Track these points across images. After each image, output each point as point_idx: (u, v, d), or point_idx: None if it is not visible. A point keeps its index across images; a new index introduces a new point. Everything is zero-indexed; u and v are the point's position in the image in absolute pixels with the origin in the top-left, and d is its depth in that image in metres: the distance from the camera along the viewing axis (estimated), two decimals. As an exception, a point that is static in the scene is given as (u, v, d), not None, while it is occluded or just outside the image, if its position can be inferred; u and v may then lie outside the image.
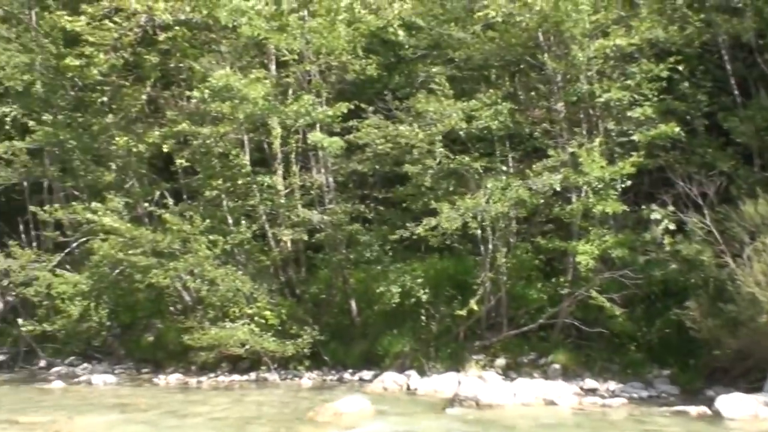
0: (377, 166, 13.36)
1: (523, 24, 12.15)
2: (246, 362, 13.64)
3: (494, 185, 11.55)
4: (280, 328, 13.19)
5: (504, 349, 12.16)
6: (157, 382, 13.88)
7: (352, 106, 12.63)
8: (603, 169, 11.01)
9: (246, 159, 13.87)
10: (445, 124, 11.98)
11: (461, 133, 12.35)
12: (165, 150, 14.23)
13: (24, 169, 15.81)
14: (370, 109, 12.95)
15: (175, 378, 13.89)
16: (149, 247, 13.26)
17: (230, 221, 14.10)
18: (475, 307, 11.63)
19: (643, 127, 11.40)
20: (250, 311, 13.24)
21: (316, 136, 12.49)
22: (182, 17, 13.82)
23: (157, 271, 13.02)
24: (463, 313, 11.61)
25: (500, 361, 12.05)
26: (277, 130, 13.60)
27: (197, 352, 13.36)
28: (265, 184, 13.76)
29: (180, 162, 14.40)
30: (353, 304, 13.50)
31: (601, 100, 11.70)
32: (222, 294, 13.22)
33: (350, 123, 12.88)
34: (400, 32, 13.27)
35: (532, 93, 12.94)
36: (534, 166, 11.73)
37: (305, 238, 13.62)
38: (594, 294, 10.99)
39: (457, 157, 12.18)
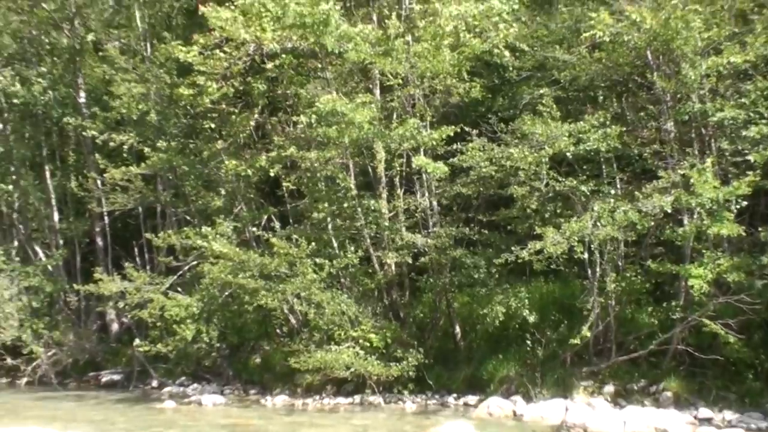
0: (481, 189, 14.82)
1: (631, 43, 13.11)
2: (350, 385, 15.25)
3: (602, 208, 12.59)
4: (384, 351, 14.74)
5: (613, 376, 13.10)
6: (264, 403, 15.70)
7: (458, 130, 13.81)
8: (716, 190, 11.75)
9: (351, 183, 15.34)
10: (552, 146, 12.96)
11: (568, 154, 13.26)
12: (272, 174, 16.21)
13: (139, 195, 18.22)
14: (474, 131, 14.17)
15: (281, 399, 15.65)
16: (257, 271, 15.20)
17: (335, 244, 15.62)
18: (588, 333, 12.48)
19: (759, 146, 12.01)
20: (354, 334, 14.84)
21: (420, 160, 13.86)
22: (289, 45, 15.61)
23: (265, 294, 14.95)
24: (577, 341, 12.61)
25: (609, 388, 13.01)
26: (382, 154, 15.19)
27: (303, 375, 15.06)
28: (370, 207, 15.14)
29: (287, 186, 16.30)
30: (457, 327, 14.88)
31: (714, 119, 12.51)
32: (328, 317, 14.90)
33: (454, 146, 14.30)
34: (506, 54, 14.36)
35: (641, 113, 13.87)
36: (643, 188, 12.51)
37: (409, 261, 15.14)
38: (706, 321, 11.61)
39: (565, 180, 13.21)
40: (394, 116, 15.26)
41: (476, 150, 14.06)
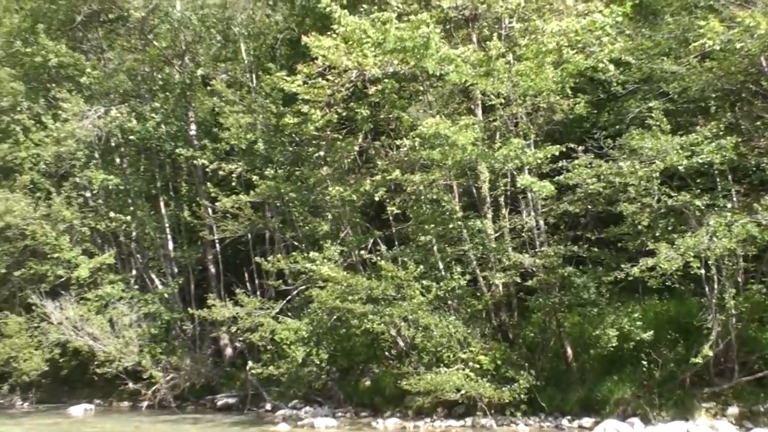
0: (589, 206, 14.76)
1: (744, 50, 12.87)
2: (461, 407, 15.43)
3: (718, 222, 12.40)
4: (494, 373, 14.86)
5: (737, 397, 12.86)
6: (375, 426, 16.10)
7: (564, 149, 13.85)
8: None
9: (456, 204, 15.56)
10: (663, 160, 12.84)
11: (680, 168, 13.09)
12: (377, 198, 16.53)
13: (248, 222, 19.05)
14: (580, 148, 14.17)
15: (392, 422, 16.02)
16: (365, 294, 15.64)
17: (441, 266, 15.87)
18: (709, 353, 12.23)
19: None
20: (464, 356, 15.04)
21: (525, 180, 13.96)
22: (390, 70, 15.93)
23: (373, 317, 15.34)
24: (698, 360, 12.36)
25: (733, 410, 12.81)
26: (486, 174, 15.42)
27: (413, 397, 15.34)
28: (476, 228, 15.33)
29: (391, 209, 16.64)
30: (569, 348, 14.79)
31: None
32: (436, 339, 15.14)
33: (560, 163, 14.34)
34: (610, 68, 14.30)
35: (757, 122, 13.52)
36: (762, 199, 12.29)
37: (517, 281, 15.17)
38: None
39: (677, 194, 13.07)
40: (497, 136, 15.41)
41: (583, 167, 14.06)
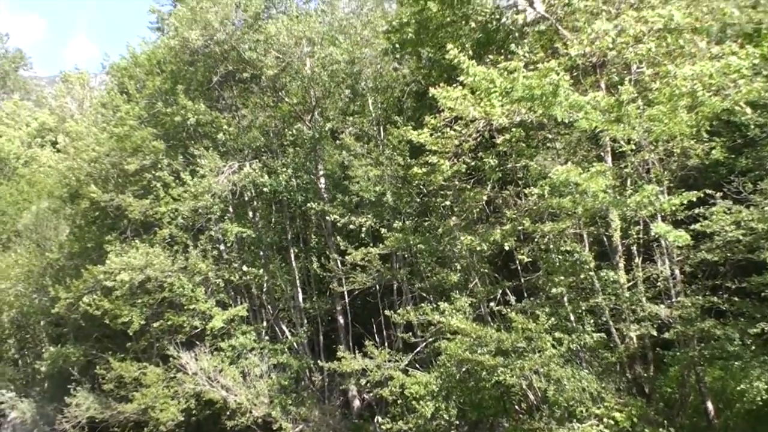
0: (729, 255, 14.68)
1: None
2: (596, 464, 15.12)
3: None
4: (630, 430, 14.70)
5: None
6: (505, 480, 16.01)
7: (701, 194, 13.92)
8: None
9: (587, 253, 15.77)
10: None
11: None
12: (506, 248, 16.80)
13: (377, 273, 19.88)
14: (718, 194, 14.15)
15: (522, 478, 15.90)
16: (494, 346, 16.00)
17: (572, 318, 16.02)
18: None
19: None
20: (597, 411, 15.08)
21: (659, 228, 14.04)
22: (518, 119, 16.41)
23: (503, 370, 15.57)
24: None
25: None
26: (617, 222, 15.58)
27: (545, 453, 15.23)
28: (608, 278, 15.46)
29: (521, 259, 16.98)
30: (710, 404, 14.62)
31: None
32: (568, 393, 15.23)
33: (696, 210, 14.29)
34: (747, 111, 14.27)
35: None
36: None
37: (653, 333, 15.07)
38: None
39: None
40: (629, 182, 15.60)
41: (721, 213, 14.04)
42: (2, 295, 31.89)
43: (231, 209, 24.45)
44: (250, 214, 25.13)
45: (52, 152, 40.70)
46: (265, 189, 23.10)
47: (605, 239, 16.49)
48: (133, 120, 24.68)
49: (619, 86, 14.51)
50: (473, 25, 19.00)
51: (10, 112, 51.46)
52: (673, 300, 15.13)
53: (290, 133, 24.27)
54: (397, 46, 20.67)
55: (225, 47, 23.16)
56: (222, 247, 24.63)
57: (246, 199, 24.87)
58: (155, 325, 23.71)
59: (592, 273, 15.90)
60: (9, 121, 49.70)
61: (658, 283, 15.66)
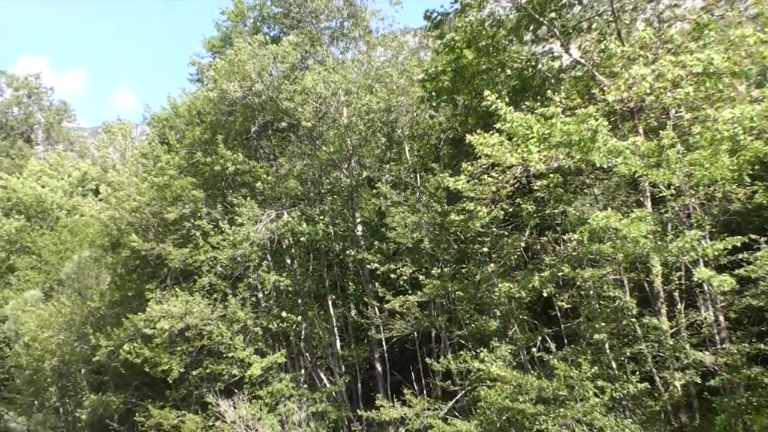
0: (775, 300, 14.14)
1: None
2: None
3: None
4: (677, 480, 14.19)
5: None
6: None
7: (745, 239, 13.72)
8: None
9: (629, 300, 15.60)
10: None
11: None
12: (545, 294, 16.64)
13: (415, 321, 19.75)
14: (762, 239, 13.95)
15: None
16: (535, 394, 15.70)
17: (614, 365, 15.77)
18: None
19: None
20: (643, 460, 14.54)
21: (702, 273, 13.83)
22: (555, 164, 16.39)
23: (545, 418, 15.32)
24: None
25: None
26: (658, 268, 15.42)
27: (591, 503, 14.89)
28: (650, 324, 15.25)
29: (560, 305, 16.78)
30: (759, 454, 14.07)
31: None
32: (612, 443, 14.76)
33: (740, 255, 14.05)
34: (790, 153, 14.14)
35: None
36: None
37: (697, 381, 14.73)
38: None
39: None
40: (669, 227, 15.46)
41: (765, 258, 13.85)
42: (45, 343, 32.29)
43: (269, 257, 24.62)
44: (288, 261, 25.28)
45: (94, 201, 41.48)
46: (302, 237, 23.23)
47: (646, 285, 16.32)
48: (173, 170, 25.11)
49: (657, 131, 14.51)
50: (509, 72, 19.18)
51: (53, 163, 52.60)
52: (718, 347, 14.87)
53: (327, 181, 24.49)
54: (433, 93, 20.90)
55: (263, 98, 23.56)
56: (260, 295, 24.78)
57: (284, 246, 25.03)
58: (194, 372, 23.81)
59: (634, 319, 15.70)
60: (52, 172, 50.78)
61: (702, 330, 15.42)
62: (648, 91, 14.09)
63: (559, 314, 17.84)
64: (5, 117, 65.39)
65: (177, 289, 24.12)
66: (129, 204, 26.49)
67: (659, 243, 14.53)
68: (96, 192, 44.79)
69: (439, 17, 18.95)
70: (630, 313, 15.75)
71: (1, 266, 43.44)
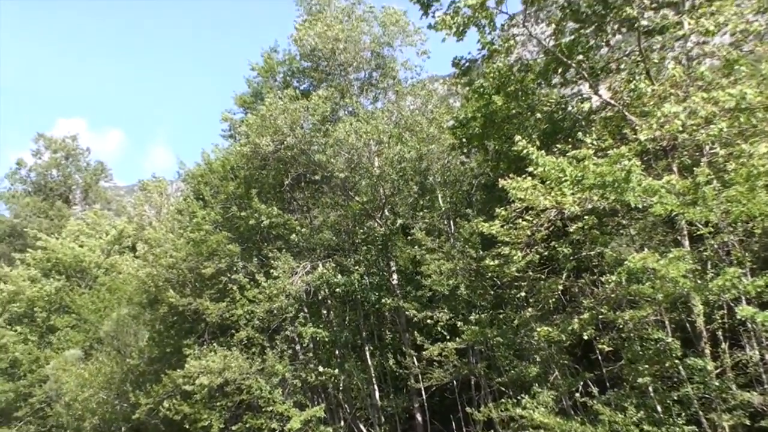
0: (825, 335, 13.85)
1: None
2: None
3: None
4: None
5: None
6: None
7: (790, 275, 13.56)
8: None
9: (671, 340, 15.37)
10: None
11: None
12: (585, 338, 16.43)
13: (454, 369, 19.57)
14: (806, 272, 13.68)
15: None
16: (579, 440, 15.27)
17: (659, 408, 15.47)
18: None
19: None
20: (694, 508, 14.19)
21: (745, 311, 13.62)
22: (589, 206, 16.34)
23: (592, 465, 14.87)
24: None
25: None
26: (699, 308, 15.21)
27: None
28: (695, 366, 14.97)
29: (601, 348, 16.56)
30: (815, 496, 13.67)
31: None
32: (661, 489, 14.45)
33: (784, 290, 13.76)
34: (829, 187, 13.97)
35: None
36: None
37: (746, 422, 14.39)
38: None
39: None
40: (709, 266, 15.26)
41: (810, 293, 13.56)
42: (85, 402, 32.51)
43: (305, 309, 24.69)
44: (324, 312, 25.32)
45: (131, 259, 42.00)
46: (337, 288, 23.29)
47: (688, 325, 16.07)
48: (208, 225, 25.42)
49: (692, 169, 14.43)
50: (539, 115, 19.29)
51: (91, 222, 53.48)
52: (766, 386, 14.52)
53: (361, 231, 24.61)
54: (464, 140, 21.03)
55: (295, 151, 23.89)
56: (298, 347, 24.78)
57: (320, 298, 25.10)
58: (234, 428, 23.75)
59: (677, 361, 15.43)
60: (90, 231, 51.61)
61: (749, 369, 15.07)
62: (681, 128, 14.06)
63: (600, 358, 17.60)
64: (44, 179, 66.79)
65: (215, 344, 24.23)
66: (166, 260, 26.80)
67: (699, 282, 14.35)
68: (133, 249, 45.36)
69: (467, 64, 19.13)
70: (674, 355, 15.48)
71: (41, 326, 43.99)
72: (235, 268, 24.28)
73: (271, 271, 23.22)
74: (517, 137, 14.63)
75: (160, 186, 42.83)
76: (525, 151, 14.67)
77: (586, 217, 16.86)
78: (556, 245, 17.75)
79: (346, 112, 25.64)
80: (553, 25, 18.56)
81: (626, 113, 16.54)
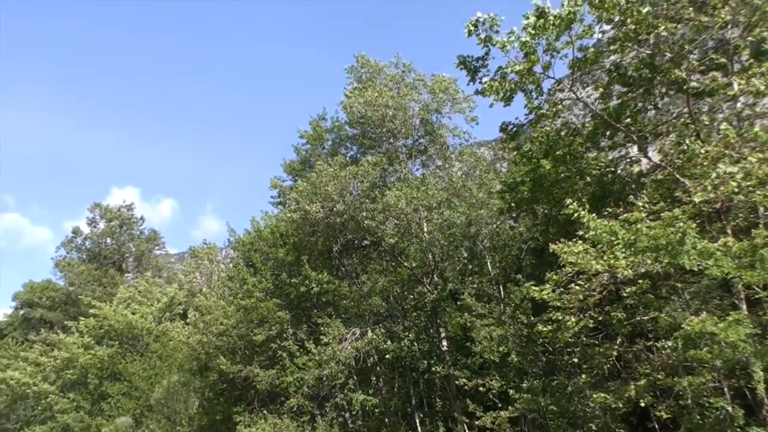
0: None
1: None
2: None
3: None
4: None
5: None
6: None
7: None
8: None
9: (736, 408, 14.89)
10: None
11: None
12: (642, 405, 16.00)
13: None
14: None
15: None
16: None
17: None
18: None
19: None
20: None
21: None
22: (642, 270, 16.06)
23: None
24: None
25: None
26: (760, 374, 14.67)
27: None
28: (760, 435, 14.51)
29: (659, 416, 16.07)
30: None
31: None
32: None
33: None
34: None
35: None
36: None
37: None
38: None
39: None
40: (768, 330, 14.87)
41: None
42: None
43: (354, 376, 24.53)
44: (374, 379, 25.11)
45: (182, 326, 42.39)
46: (387, 355, 23.14)
47: (748, 392, 15.56)
48: (259, 292, 25.60)
49: (748, 231, 14.17)
50: (588, 179, 19.19)
51: (143, 290, 54.24)
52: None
53: (411, 297, 24.53)
54: (513, 204, 20.99)
55: (344, 217, 24.08)
56: (347, 415, 24.55)
57: (369, 365, 24.93)
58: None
59: (738, 429, 14.90)
60: (142, 299, 52.30)
61: (817, 439, 14.49)
62: (736, 190, 13.88)
63: (657, 426, 17.11)
64: (99, 247, 68.26)
65: (265, 411, 24.16)
66: (216, 328, 26.99)
67: (759, 347, 13.99)
68: (183, 316, 45.80)
69: (515, 128, 19.21)
70: (735, 423, 14.97)
71: (94, 393, 44.33)
72: (285, 335, 24.31)
73: (321, 337, 23.19)
74: (568, 200, 14.59)
75: (210, 252, 43.41)
76: (576, 215, 14.58)
77: (639, 281, 16.58)
78: (610, 310, 17.46)
79: (395, 178, 25.83)
80: (600, 89, 18.62)
81: (677, 175, 16.39)
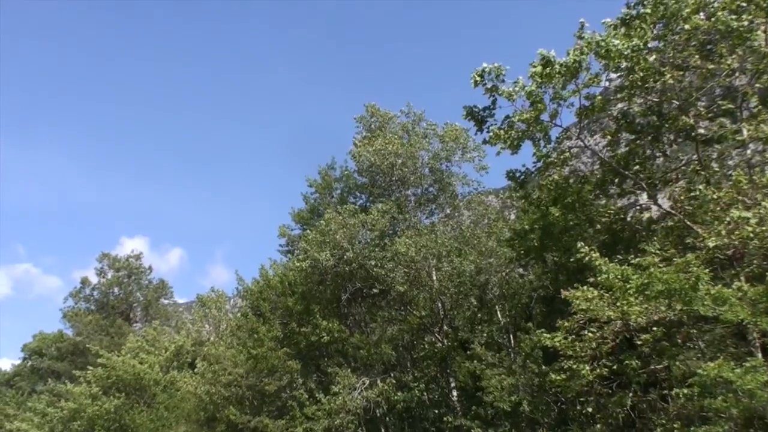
0: None
1: None
2: None
3: None
4: None
5: None
6: None
7: None
8: None
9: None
10: None
11: None
12: None
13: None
14: None
15: None
16: None
17: None
18: None
19: None
20: None
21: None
22: (656, 317, 15.81)
23: None
24: None
25: None
26: (778, 422, 14.27)
27: None
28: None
29: (676, 468, 15.64)
30: None
31: None
32: None
33: None
34: None
35: None
36: None
37: None
38: None
39: None
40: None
41: None
42: None
43: (363, 426, 24.11)
44: (383, 430, 24.67)
45: (190, 376, 41.97)
46: (397, 405, 22.78)
47: (768, 442, 15.18)
48: (270, 341, 25.34)
49: (762, 276, 13.98)
50: (598, 226, 19.02)
51: (150, 339, 53.86)
52: None
53: (421, 346, 24.26)
54: (522, 252, 20.81)
55: (353, 265, 23.91)
56: (358, 467, 24.10)
57: (378, 415, 24.54)
58: None
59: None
60: (150, 348, 51.88)
61: None
62: (751, 235, 13.71)
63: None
64: (107, 297, 67.99)
65: (273, 462, 23.73)
66: (225, 377, 26.66)
67: (775, 395, 13.69)
68: (191, 365, 45.33)
69: (522, 176, 19.12)
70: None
71: (100, 445, 43.69)
72: (294, 385, 24.00)
73: (330, 386, 22.87)
74: (580, 244, 14.45)
75: (219, 300, 43.15)
76: (587, 259, 14.43)
77: (653, 328, 16.32)
78: (624, 358, 17.16)
79: (405, 227, 25.70)
80: (608, 137, 18.58)
81: (688, 222, 16.24)
